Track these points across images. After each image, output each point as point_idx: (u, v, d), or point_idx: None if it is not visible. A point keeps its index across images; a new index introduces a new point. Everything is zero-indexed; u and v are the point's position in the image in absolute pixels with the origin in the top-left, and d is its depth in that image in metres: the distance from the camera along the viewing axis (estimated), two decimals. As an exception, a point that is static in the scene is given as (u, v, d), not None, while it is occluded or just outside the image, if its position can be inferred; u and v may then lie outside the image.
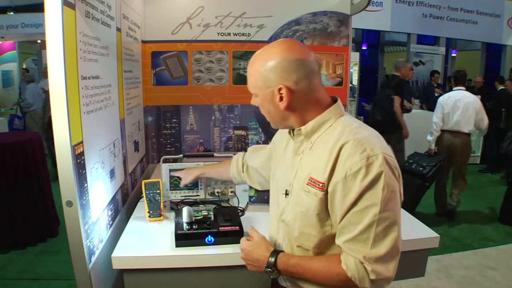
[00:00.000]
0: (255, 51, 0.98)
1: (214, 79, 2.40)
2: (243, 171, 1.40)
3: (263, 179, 1.31)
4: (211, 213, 1.43)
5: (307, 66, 0.92)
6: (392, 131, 4.00)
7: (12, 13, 8.82)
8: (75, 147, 1.11)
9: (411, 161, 3.84)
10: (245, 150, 2.52)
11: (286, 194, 1.01)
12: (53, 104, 1.04)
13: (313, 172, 0.92)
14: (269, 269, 0.97)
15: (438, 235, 1.43)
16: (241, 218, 1.46)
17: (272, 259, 0.96)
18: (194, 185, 1.69)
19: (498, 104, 5.78)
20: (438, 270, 2.89)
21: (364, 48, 12.18)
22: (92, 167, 1.27)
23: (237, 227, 1.33)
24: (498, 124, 5.65)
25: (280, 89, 0.92)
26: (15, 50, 10.05)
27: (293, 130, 1.01)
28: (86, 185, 1.20)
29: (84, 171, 1.19)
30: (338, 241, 0.89)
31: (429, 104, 6.76)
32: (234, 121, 2.48)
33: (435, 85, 6.91)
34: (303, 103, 0.95)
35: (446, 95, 3.87)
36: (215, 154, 1.87)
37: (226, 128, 2.49)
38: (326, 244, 0.94)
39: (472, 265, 2.99)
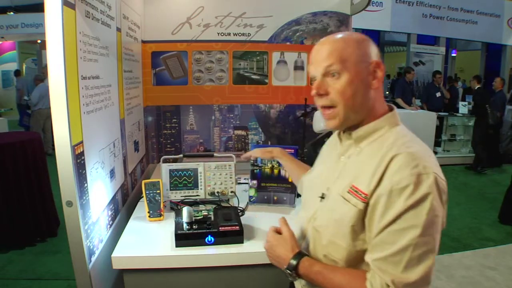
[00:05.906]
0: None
1: (214, 79, 2.40)
2: None
3: None
4: (211, 213, 1.43)
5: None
6: None
7: (12, 13, 8.85)
8: (75, 147, 1.11)
9: None
10: (245, 150, 2.54)
11: (322, 197, 0.94)
12: (53, 104, 1.04)
13: (356, 181, 0.85)
14: (288, 271, 0.91)
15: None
16: (241, 218, 1.46)
17: (294, 262, 0.90)
18: (194, 185, 1.69)
19: (482, 101, 5.97)
20: (438, 270, 2.88)
21: (364, 48, 12.16)
22: (92, 167, 1.27)
23: (237, 227, 1.33)
24: (487, 121, 5.87)
25: (378, 65, 0.86)
26: (15, 50, 10.08)
27: (343, 132, 0.96)
28: (86, 185, 1.20)
29: (84, 171, 1.19)
30: (368, 257, 0.83)
31: (430, 104, 6.74)
32: (234, 121, 2.48)
33: (437, 85, 6.84)
34: (379, 95, 0.89)
35: None
36: (215, 154, 1.86)
37: (226, 128, 2.49)
38: (355, 259, 0.86)
39: (472, 265, 2.99)
